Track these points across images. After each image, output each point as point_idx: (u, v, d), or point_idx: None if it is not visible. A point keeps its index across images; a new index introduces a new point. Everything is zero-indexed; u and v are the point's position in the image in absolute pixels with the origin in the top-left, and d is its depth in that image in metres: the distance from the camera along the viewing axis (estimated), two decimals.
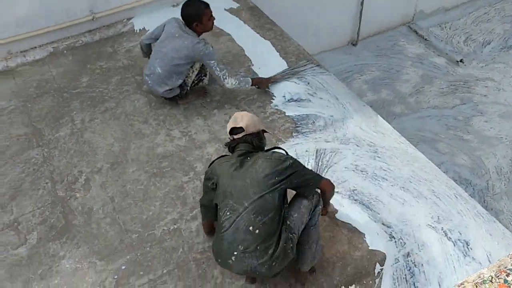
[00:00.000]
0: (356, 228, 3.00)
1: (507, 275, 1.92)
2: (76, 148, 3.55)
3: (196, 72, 3.72)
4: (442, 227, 3.01)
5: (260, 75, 4.12)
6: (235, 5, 4.98)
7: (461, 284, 1.87)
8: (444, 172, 3.44)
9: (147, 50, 3.87)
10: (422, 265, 2.84)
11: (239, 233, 2.40)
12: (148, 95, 3.95)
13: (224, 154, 2.78)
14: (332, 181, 2.66)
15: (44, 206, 3.17)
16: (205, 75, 3.83)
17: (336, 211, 3.06)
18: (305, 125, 3.71)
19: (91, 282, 2.76)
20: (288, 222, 2.50)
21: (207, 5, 3.53)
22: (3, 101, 3.96)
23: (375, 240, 2.94)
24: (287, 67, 4.19)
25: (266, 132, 2.75)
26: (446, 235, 2.97)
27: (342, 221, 3.04)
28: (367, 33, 6.67)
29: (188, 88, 3.77)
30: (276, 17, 4.89)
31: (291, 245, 2.46)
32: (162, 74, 3.63)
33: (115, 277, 2.79)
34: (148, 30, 4.50)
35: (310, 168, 2.98)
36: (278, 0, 5.47)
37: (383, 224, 3.03)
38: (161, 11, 4.72)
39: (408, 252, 2.89)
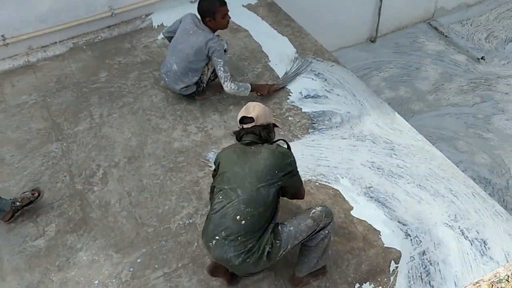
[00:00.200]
0: (372, 226, 2.99)
1: None
2: (94, 142, 3.60)
3: (211, 69, 3.73)
4: (459, 226, 2.98)
5: (277, 72, 4.12)
6: (253, 1, 4.98)
7: (477, 282, 1.85)
8: (462, 171, 3.39)
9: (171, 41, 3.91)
10: (438, 263, 2.81)
11: (226, 219, 2.41)
12: (165, 91, 3.98)
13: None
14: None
15: (62, 199, 3.22)
16: None
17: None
18: (322, 122, 3.70)
19: (107, 274, 2.80)
20: (279, 228, 2.47)
21: (223, 3, 3.51)
22: (24, 95, 4.03)
23: (391, 238, 2.92)
24: (286, 71, 4.13)
25: (276, 126, 2.75)
26: (463, 234, 2.94)
27: (357, 218, 3.03)
28: (386, 29, 6.60)
29: (204, 85, 3.78)
30: (294, 13, 4.87)
31: (270, 250, 2.40)
32: (178, 71, 3.65)
33: (131, 269, 2.82)
34: (166, 26, 4.53)
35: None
36: None
37: (398, 221, 3.01)
38: (179, 7, 4.74)
39: (424, 251, 2.86)
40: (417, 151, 3.46)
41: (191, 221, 3.05)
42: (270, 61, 4.28)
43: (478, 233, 2.94)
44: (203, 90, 3.82)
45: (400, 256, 2.84)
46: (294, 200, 2.93)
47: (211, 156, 3.45)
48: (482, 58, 6.14)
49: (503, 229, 2.96)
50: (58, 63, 4.36)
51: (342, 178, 3.27)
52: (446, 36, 6.56)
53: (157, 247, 2.93)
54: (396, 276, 2.76)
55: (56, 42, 4.50)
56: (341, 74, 4.13)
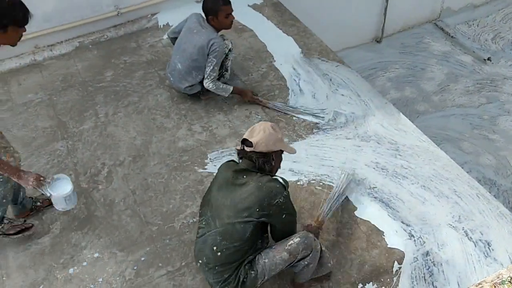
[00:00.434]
0: (375, 226, 2.99)
1: None
2: (99, 141, 3.61)
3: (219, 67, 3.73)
4: (463, 227, 2.97)
5: (282, 72, 4.13)
6: (259, 1, 4.99)
7: (479, 284, 1.85)
8: (467, 172, 3.38)
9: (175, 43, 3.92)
10: (442, 264, 2.80)
11: (205, 248, 2.41)
12: (170, 90, 3.99)
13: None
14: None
15: None
16: (226, 70, 3.84)
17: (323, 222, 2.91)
18: (326, 122, 3.69)
19: (111, 272, 2.82)
20: (256, 258, 2.40)
21: (226, 2, 3.50)
22: (30, 94, 4.05)
23: (394, 238, 2.92)
24: (282, 103, 3.85)
25: (285, 151, 2.51)
26: (467, 235, 2.93)
27: (361, 219, 3.03)
28: (392, 30, 6.58)
29: None
30: (299, 13, 4.88)
31: (244, 280, 2.37)
32: (182, 70, 3.66)
33: (135, 268, 2.84)
34: (172, 25, 4.55)
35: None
36: None
37: (402, 222, 3.00)
38: (185, 7, 4.75)
39: (428, 251, 2.86)
40: (421, 152, 3.45)
41: (195, 220, 3.06)
42: (275, 61, 4.28)
43: (482, 234, 2.93)
44: (207, 90, 3.82)
45: (404, 257, 2.83)
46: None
47: (216, 155, 3.46)
48: (489, 59, 6.11)
49: (508, 231, 2.95)
50: (64, 62, 4.38)
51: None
52: (452, 36, 6.54)
53: (161, 245, 2.94)
54: (399, 276, 2.76)
55: (62, 41, 4.53)
56: (346, 74, 4.13)
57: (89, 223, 3.08)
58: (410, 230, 2.96)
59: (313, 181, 3.25)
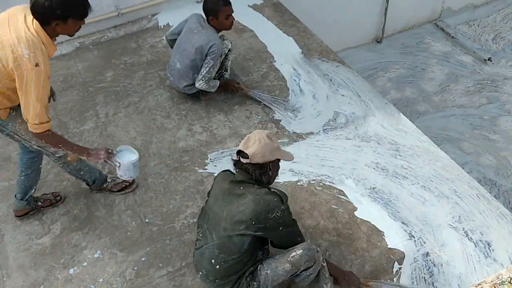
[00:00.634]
0: (375, 226, 2.99)
1: None
2: (99, 141, 3.61)
3: (216, 69, 3.73)
4: (463, 228, 2.97)
5: (282, 72, 4.13)
6: (259, 1, 4.99)
7: (479, 284, 1.85)
8: (468, 172, 3.39)
9: (173, 45, 3.91)
10: (442, 265, 2.80)
11: (204, 260, 2.41)
12: (171, 90, 4.00)
13: None
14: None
15: (68, 197, 3.24)
16: (226, 71, 3.85)
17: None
18: (326, 122, 3.69)
19: (112, 273, 2.82)
20: (258, 269, 2.37)
21: (227, 2, 3.50)
22: None
23: (394, 239, 2.92)
24: (268, 94, 3.90)
25: (282, 160, 2.44)
26: (467, 235, 2.93)
27: (361, 219, 3.03)
28: (392, 30, 6.59)
29: None
30: (299, 13, 4.88)
31: None
32: (181, 69, 3.67)
33: (135, 268, 2.84)
34: (172, 26, 4.54)
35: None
36: None
37: (402, 223, 3.00)
38: (185, 7, 4.76)
39: (428, 252, 2.86)
40: (422, 152, 3.45)
41: (195, 220, 3.06)
42: (275, 61, 4.28)
43: (482, 234, 2.94)
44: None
45: (404, 257, 2.83)
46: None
47: (216, 155, 3.47)
48: (489, 59, 6.12)
49: (508, 231, 2.96)
50: (65, 62, 4.38)
51: (347, 178, 3.27)
52: (452, 37, 6.54)
53: (161, 246, 2.94)
54: (399, 277, 2.76)
55: (62, 42, 4.52)
56: (346, 74, 4.14)
57: (90, 223, 3.08)
58: (410, 231, 2.96)
59: (313, 181, 3.25)
